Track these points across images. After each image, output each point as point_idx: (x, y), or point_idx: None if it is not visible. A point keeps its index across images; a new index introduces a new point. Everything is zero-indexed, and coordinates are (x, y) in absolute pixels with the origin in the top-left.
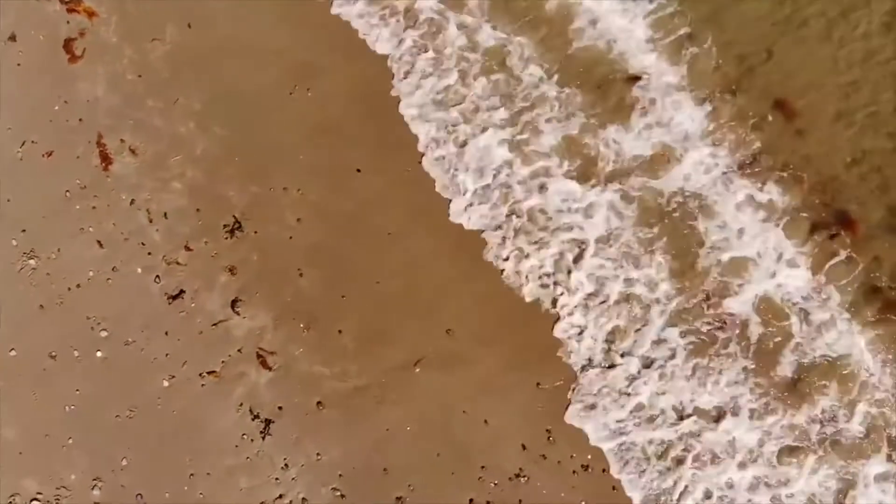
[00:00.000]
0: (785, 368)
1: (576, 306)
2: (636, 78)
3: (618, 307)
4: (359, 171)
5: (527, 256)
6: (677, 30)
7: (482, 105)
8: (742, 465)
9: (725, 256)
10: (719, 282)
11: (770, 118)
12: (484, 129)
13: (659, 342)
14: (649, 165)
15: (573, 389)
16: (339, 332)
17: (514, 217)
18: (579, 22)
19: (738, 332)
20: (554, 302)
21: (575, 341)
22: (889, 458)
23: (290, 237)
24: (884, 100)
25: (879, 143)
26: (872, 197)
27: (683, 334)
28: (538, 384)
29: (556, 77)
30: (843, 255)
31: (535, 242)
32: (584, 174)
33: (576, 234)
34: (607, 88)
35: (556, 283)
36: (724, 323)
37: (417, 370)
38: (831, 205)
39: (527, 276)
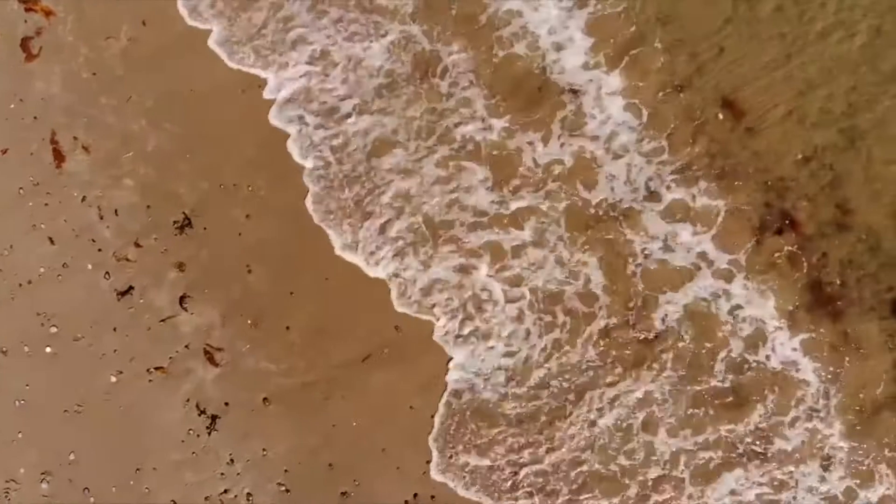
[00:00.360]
0: (719, 379)
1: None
2: (570, 84)
3: (539, 323)
4: None
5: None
6: (622, 30)
7: (402, 122)
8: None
9: (655, 266)
10: (648, 293)
11: (720, 116)
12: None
13: (582, 360)
14: (574, 174)
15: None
16: (287, 328)
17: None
18: (512, 27)
19: (671, 343)
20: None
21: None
22: (823, 470)
23: (240, 234)
24: (838, 96)
25: (832, 139)
26: (823, 194)
27: (608, 350)
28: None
29: (483, 84)
30: (784, 257)
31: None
32: (504, 183)
33: (491, 244)
34: (538, 96)
35: (462, 307)
36: (656, 336)
37: (365, 366)
38: (774, 205)
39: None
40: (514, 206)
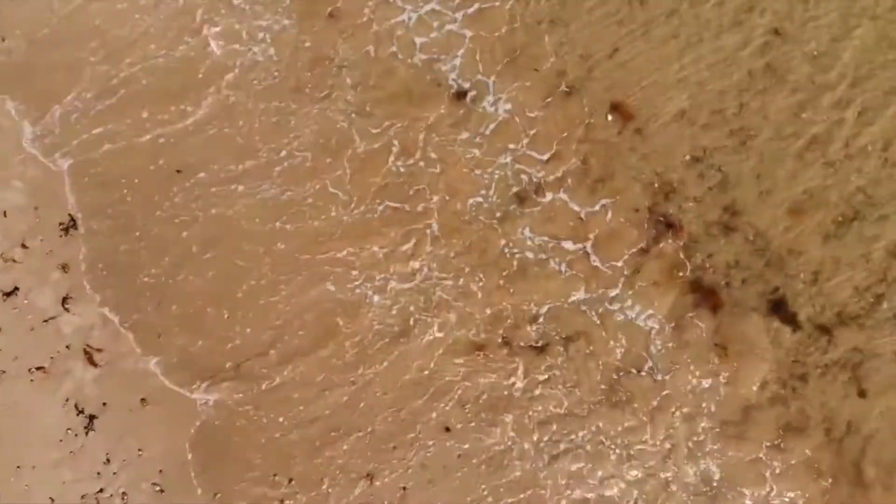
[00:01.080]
0: (599, 387)
1: None
2: (453, 86)
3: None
4: None
5: None
6: (508, 30)
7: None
8: None
9: (532, 271)
10: (523, 301)
11: (609, 118)
12: None
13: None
14: (447, 177)
15: None
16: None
17: None
18: (392, 26)
19: (548, 351)
20: None
21: None
22: (700, 470)
23: None
24: (730, 96)
25: (722, 140)
26: (710, 195)
27: (468, 363)
28: None
29: (357, 83)
30: (668, 260)
31: None
32: (366, 188)
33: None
34: (415, 96)
35: None
36: (539, 347)
37: (244, 370)
38: (660, 208)
39: None
40: (377, 211)
